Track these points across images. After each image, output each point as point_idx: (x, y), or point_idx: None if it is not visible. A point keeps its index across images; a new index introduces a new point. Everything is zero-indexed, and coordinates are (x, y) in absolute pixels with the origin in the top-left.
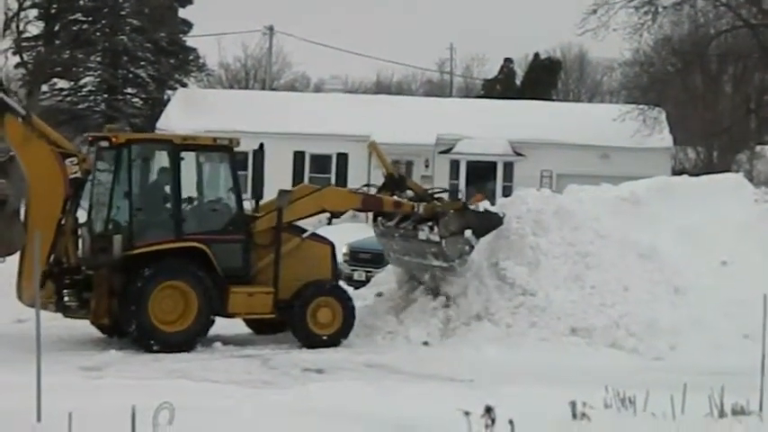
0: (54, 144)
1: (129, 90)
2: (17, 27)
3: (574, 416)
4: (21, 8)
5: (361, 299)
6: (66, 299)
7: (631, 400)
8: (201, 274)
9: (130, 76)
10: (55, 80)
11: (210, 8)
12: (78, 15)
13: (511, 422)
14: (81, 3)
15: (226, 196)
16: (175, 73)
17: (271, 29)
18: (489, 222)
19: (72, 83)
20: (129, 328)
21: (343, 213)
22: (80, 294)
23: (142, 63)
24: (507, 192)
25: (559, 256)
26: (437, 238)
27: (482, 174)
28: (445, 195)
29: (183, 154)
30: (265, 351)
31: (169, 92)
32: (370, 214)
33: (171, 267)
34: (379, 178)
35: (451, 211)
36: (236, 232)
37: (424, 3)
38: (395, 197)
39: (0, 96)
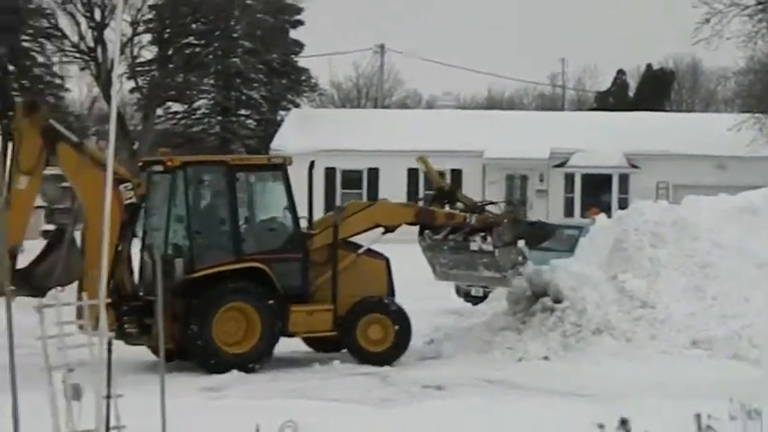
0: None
1: (243, 111)
2: (131, 52)
3: (699, 428)
4: (135, 33)
5: (479, 314)
6: (126, 326)
7: (758, 412)
8: (263, 293)
9: (243, 97)
10: (169, 103)
11: (321, 28)
12: (191, 39)
13: None
14: (194, 27)
15: (282, 215)
16: (288, 93)
17: (382, 47)
18: (542, 233)
19: (186, 106)
20: (193, 351)
21: (396, 227)
22: (141, 320)
23: (255, 84)
24: (623, 204)
25: (678, 268)
26: (490, 248)
27: (597, 186)
28: (494, 208)
29: (238, 174)
30: (384, 368)
31: (282, 112)
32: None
33: (233, 288)
34: (493, 194)
35: (505, 221)
36: (294, 250)
37: (535, 17)
38: (446, 210)
39: (51, 124)
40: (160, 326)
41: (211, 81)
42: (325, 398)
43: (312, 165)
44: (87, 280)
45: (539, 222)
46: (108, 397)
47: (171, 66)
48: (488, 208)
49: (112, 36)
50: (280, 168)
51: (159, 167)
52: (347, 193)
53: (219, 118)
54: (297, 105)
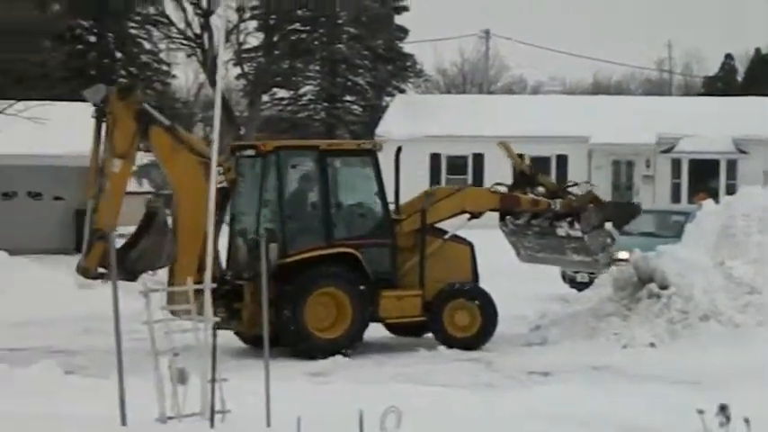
0: (199, 154)
1: (348, 98)
2: (237, 39)
3: None
4: (240, 20)
5: (585, 300)
6: (215, 311)
7: None
8: (354, 279)
9: (349, 83)
10: (275, 90)
11: (426, 14)
12: (296, 25)
13: (746, 420)
14: (299, 13)
15: (372, 200)
16: (393, 79)
17: (487, 32)
18: (628, 213)
19: (292, 92)
20: (285, 336)
21: (482, 214)
22: (229, 305)
23: (360, 71)
24: (731, 190)
25: None
26: (579, 234)
27: (705, 172)
28: (577, 189)
29: (330, 159)
30: (490, 354)
31: (387, 98)
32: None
33: (325, 273)
34: (599, 179)
35: (590, 205)
36: (384, 236)
37: (641, 1)
38: (530, 195)
39: (144, 108)
40: (265, 310)
41: (317, 67)
42: (430, 383)
43: (399, 150)
44: (179, 265)
45: (625, 203)
46: (213, 381)
47: (277, 52)
48: (571, 190)
49: (218, 22)
50: (369, 154)
51: (251, 152)
52: (452, 179)
53: (325, 104)
54: (402, 91)
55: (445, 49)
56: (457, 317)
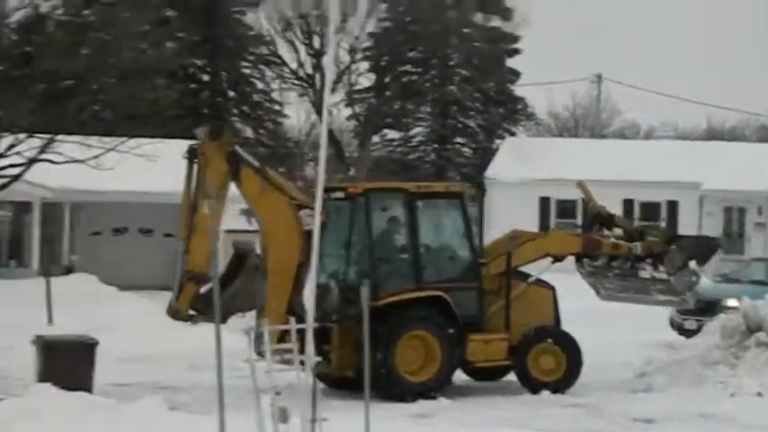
0: (289, 196)
1: (459, 140)
2: (349, 79)
3: None
4: (352, 61)
5: (692, 347)
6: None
7: None
8: (443, 322)
9: (459, 125)
10: (385, 131)
11: (538, 57)
12: (408, 67)
13: None
14: (411, 54)
15: (460, 243)
16: (504, 122)
17: (599, 77)
18: (709, 248)
19: (402, 133)
20: (376, 378)
21: (565, 257)
22: (318, 347)
23: (471, 113)
24: None
25: None
26: (664, 276)
27: None
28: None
29: (418, 202)
30: (592, 399)
31: (498, 141)
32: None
33: (415, 316)
34: (710, 226)
35: (672, 246)
36: (472, 279)
37: (755, 47)
38: (612, 239)
39: (236, 149)
40: (367, 353)
41: (428, 109)
42: (530, 427)
43: (484, 191)
44: (269, 306)
45: (703, 237)
46: (313, 420)
47: (388, 93)
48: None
49: (327, 63)
50: (458, 197)
51: (339, 194)
52: (561, 223)
53: (435, 146)
54: (513, 134)
55: (557, 93)
56: (542, 360)
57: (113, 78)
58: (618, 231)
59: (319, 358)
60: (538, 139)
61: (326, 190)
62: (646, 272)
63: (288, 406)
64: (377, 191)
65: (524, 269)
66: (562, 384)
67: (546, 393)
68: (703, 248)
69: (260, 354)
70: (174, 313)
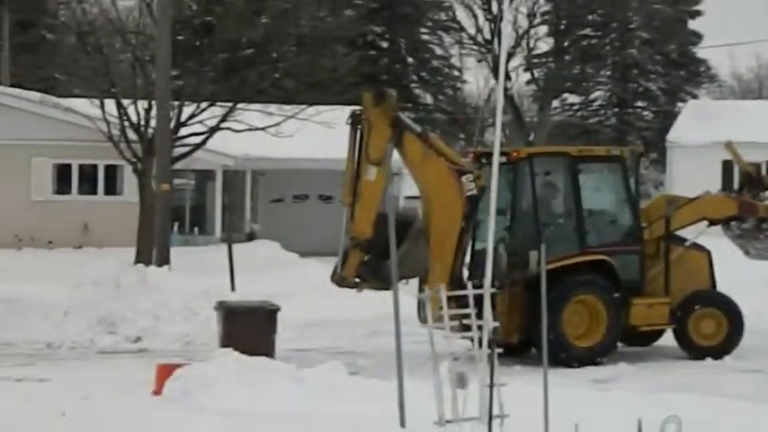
0: (450, 161)
1: (639, 103)
2: (527, 44)
3: None
4: (531, 26)
5: None
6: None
7: None
8: (608, 286)
9: (640, 89)
10: (565, 95)
11: (721, 18)
12: (588, 30)
13: None
14: (590, 18)
15: (622, 207)
16: (686, 85)
17: None
18: None
19: (582, 98)
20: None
21: (720, 221)
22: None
23: (652, 76)
24: None
25: None
26: None
27: None
28: None
29: (581, 166)
30: None
31: (679, 104)
32: None
33: (581, 281)
34: None
35: None
36: (634, 243)
37: None
38: (767, 203)
39: (398, 115)
40: (544, 318)
41: (608, 72)
42: (713, 393)
43: (641, 155)
44: (431, 272)
45: None
46: (492, 386)
47: (567, 57)
48: None
49: (505, 28)
50: (619, 161)
51: (502, 159)
52: None
53: (616, 110)
54: (695, 97)
55: (741, 54)
56: (703, 325)
57: (293, 46)
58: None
59: (497, 323)
60: (720, 101)
61: (484, 155)
62: None
63: (466, 371)
64: (540, 155)
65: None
66: (723, 349)
67: (728, 359)
68: None
69: (424, 321)
70: (340, 281)
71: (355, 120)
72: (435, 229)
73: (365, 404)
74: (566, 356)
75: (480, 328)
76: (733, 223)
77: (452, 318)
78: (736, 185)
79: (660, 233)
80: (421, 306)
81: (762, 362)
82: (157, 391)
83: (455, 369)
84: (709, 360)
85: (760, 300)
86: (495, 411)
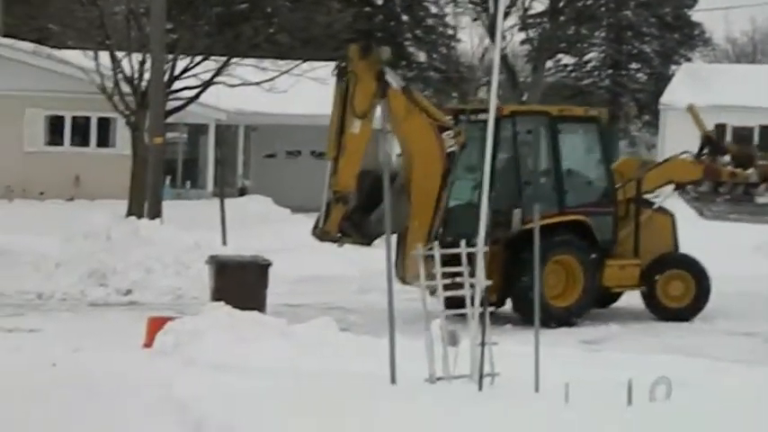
0: (432, 117)
1: (633, 65)
2: (523, 3)
3: None
4: None
5: None
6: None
7: None
8: (584, 247)
9: (634, 51)
10: (559, 56)
11: None
12: None
13: None
14: None
15: (597, 168)
16: (680, 48)
17: None
18: None
19: (576, 59)
20: (520, 303)
21: (686, 185)
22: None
23: (646, 38)
24: None
25: None
26: None
27: None
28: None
29: (560, 126)
30: (765, 329)
31: (674, 67)
32: None
33: (560, 241)
34: None
35: None
36: (609, 204)
37: None
38: (729, 168)
39: (383, 69)
40: (537, 275)
41: (602, 34)
42: (702, 355)
43: (607, 118)
44: (411, 229)
45: None
46: (483, 344)
47: (562, 18)
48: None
49: None
50: (596, 121)
51: (483, 116)
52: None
53: (610, 71)
54: (689, 60)
55: (736, 18)
56: (671, 287)
57: (287, 2)
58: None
59: (489, 282)
60: (715, 65)
61: (464, 111)
62: (763, 197)
63: (457, 330)
64: (523, 113)
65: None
66: (690, 311)
67: (720, 322)
68: None
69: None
70: (322, 235)
71: (341, 72)
72: (416, 185)
73: (355, 360)
74: (544, 316)
75: (472, 286)
76: (689, 186)
77: (435, 277)
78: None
79: (631, 195)
80: (399, 264)
81: (750, 324)
82: (148, 344)
83: (446, 327)
84: (697, 322)
85: (727, 261)
86: (486, 369)
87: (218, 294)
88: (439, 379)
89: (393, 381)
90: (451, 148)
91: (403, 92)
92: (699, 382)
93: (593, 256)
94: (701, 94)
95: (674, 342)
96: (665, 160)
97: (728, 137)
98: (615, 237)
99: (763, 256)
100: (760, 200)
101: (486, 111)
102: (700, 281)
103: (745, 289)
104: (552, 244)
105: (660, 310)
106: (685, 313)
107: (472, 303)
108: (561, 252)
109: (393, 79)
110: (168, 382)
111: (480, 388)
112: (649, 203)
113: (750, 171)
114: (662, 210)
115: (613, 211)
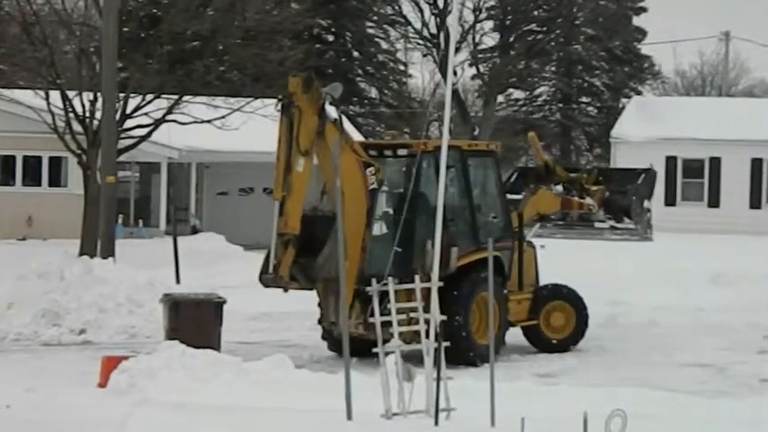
0: (356, 153)
1: (584, 99)
2: (473, 39)
3: None
4: (476, 20)
5: None
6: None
7: None
8: (500, 283)
9: (585, 85)
10: (510, 90)
11: (664, 15)
12: (533, 26)
13: None
14: (536, 13)
15: (499, 202)
16: (630, 81)
17: (727, 35)
18: (653, 182)
19: (527, 93)
20: (456, 342)
21: (549, 216)
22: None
23: (596, 72)
24: None
25: None
26: (632, 226)
27: None
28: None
29: (470, 161)
30: (722, 361)
31: (624, 100)
32: None
33: (480, 279)
34: None
35: (634, 198)
36: (509, 238)
37: None
38: (577, 198)
39: (323, 104)
40: (491, 317)
41: (553, 68)
42: (660, 387)
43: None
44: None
45: (640, 171)
46: (438, 379)
47: (512, 52)
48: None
49: (452, 23)
50: (493, 155)
51: (402, 151)
52: (688, 183)
53: (560, 105)
54: (639, 93)
55: (684, 51)
56: (553, 318)
57: (239, 39)
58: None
59: (444, 317)
60: (664, 98)
61: (384, 147)
62: (605, 224)
63: (412, 365)
64: (437, 149)
65: None
66: (571, 341)
67: (677, 353)
68: (650, 184)
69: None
70: (272, 281)
71: (285, 107)
72: (346, 224)
73: (312, 397)
74: (473, 355)
75: (427, 321)
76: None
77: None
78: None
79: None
80: (332, 309)
81: (710, 357)
82: (103, 384)
83: (401, 362)
84: (655, 355)
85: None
86: (442, 405)
87: (173, 333)
88: (395, 414)
89: (349, 417)
90: (372, 186)
91: (336, 126)
92: (654, 415)
93: (505, 291)
94: (651, 126)
95: (630, 374)
96: (533, 193)
97: (679, 169)
98: (510, 272)
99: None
100: (599, 225)
101: (407, 146)
102: (579, 311)
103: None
104: (476, 281)
105: (542, 342)
106: (566, 343)
107: (427, 337)
108: (483, 290)
109: (330, 113)
110: (123, 421)
111: (436, 423)
112: (522, 236)
113: (592, 203)
114: (528, 242)
115: (512, 245)
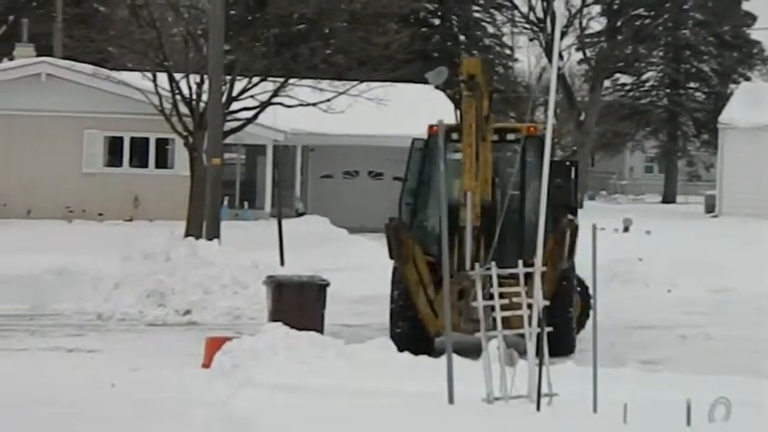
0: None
1: (692, 84)
2: (580, 23)
3: None
4: (584, 4)
5: None
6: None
7: None
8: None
9: (693, 70)
10: (617, 75)
11: None
12: (641, 10)
13: None
14: None
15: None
16: (739, 66)
17: None
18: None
19: (634, 78)
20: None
21: None
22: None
23: (705, 57)
24: None
25: None
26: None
27: None
28: None
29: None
30: None
31: (732, 86)
32: None
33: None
34: None
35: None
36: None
37: None
38: None
39: (493, 89)
40: (595, 300)
41: (660, 53)
42: (763, 376)
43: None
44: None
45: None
46: (541, 364)
47: (620, 37)
48: None
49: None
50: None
51: (512, 135)
52: None
53: (668, 90)
54: (747, 79)
55: None
56: None
57: (345, 22)
58: None
59: (547, 302)
60: None
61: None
62: None
63: (515, 349)
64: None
65: None
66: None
67: None
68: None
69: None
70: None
71: (473, 88)
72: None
73: (413, 380)
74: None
75: (530, 306)
76: None
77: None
78: None
79: None
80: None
81: None
82: (206, 364)
83: (505, 347)
84: (761, 344)
85: None
86: (544, 390)
87: (276, 314)
88: (497, 399)
89: (451, 401)
90: None
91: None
92: (759, 403)
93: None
94: (759, 112)
95: (737, 360)
96: None
97: None
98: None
99: None
100: None
101: (515, 130)
102: (583, 298)
103: None
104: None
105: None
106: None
107: (530, 323)
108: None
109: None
110: (226, 402)
111: (538, 408)
112: None
113: None
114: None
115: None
